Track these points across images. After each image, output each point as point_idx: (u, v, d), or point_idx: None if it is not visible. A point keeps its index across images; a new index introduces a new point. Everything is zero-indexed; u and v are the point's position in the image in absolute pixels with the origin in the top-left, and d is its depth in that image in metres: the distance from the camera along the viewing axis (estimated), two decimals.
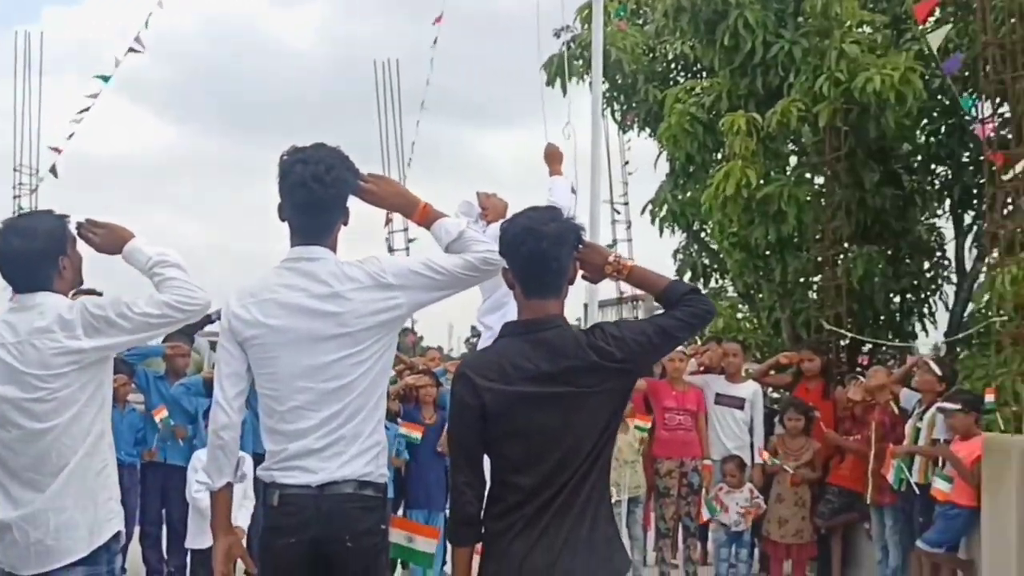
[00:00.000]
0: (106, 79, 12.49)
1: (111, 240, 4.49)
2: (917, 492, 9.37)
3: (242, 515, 7.92)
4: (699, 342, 12.24)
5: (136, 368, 9.98)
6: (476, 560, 3.87)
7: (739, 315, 15.53)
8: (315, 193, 4.08)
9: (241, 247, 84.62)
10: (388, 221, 19.15)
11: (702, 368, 11.18)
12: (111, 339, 4.27)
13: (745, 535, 10.52)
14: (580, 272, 3.98)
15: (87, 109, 12.95)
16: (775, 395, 12.30)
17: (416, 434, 10.12)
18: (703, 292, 3.96)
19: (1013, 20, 9.84)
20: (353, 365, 4.08)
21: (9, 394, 4.20)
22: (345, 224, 4.29)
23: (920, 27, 11.37)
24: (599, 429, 3.73)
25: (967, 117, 10.91)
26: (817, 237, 12.34)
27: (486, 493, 3.84)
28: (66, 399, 4.22)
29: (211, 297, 4.43)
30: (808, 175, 12.77)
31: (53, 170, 14.68)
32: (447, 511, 10.24)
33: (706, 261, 15.48)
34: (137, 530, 9.78)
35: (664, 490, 10.42)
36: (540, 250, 3.76)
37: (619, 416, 3.85)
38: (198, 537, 8.42)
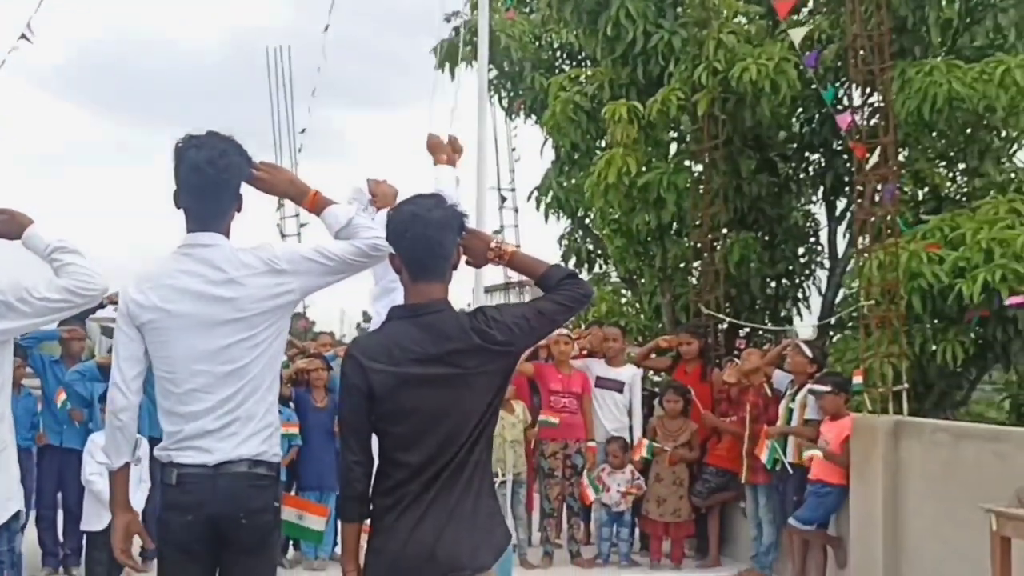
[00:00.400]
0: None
1: (10, 225, 4.50)
2: (791, 471, 9.68)
3: (137, 498, 7.93)
4: (583, 326, 12.45)
5: (31, 352, 9.92)
6: (364, 536, 3.98)
7: (622, 300, 15.73)
8: (209, 177, 4.16)
9: (134, 233, 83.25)
10: (280, 206, 19.11)
11: (584, 352, 11.35)
12: (11, 323, 4.30)
13: (626, 515, 10.71)
14: (464, 257, 4.11)
15: None
16: (656, 378, 12.56)
17: (294, 430, 10.22)
18: (581, 276, 4.10)
19: (882, 11, 10.17)
20: (248, 349, 4.18)
21: None
22: (239, 211, 4.37)
23: (784, 21, 11.72)
24: (482, 408, 3.87)
25: (837, 107, 11.23)
26: (696, 223, 12.53)
27: (374, 471, 3.93)
28: None
29: (109, 282, 4.47)
30: (687, 163, 12.98)
31: None
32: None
33: (591, 247, 15.71)
34: (33, 513, 9.70)
35: (549, 471, 10.56)
36: (425, 236, 3.89)
37: (501, 396, 3.98)
38: (93, 519, 8.38)
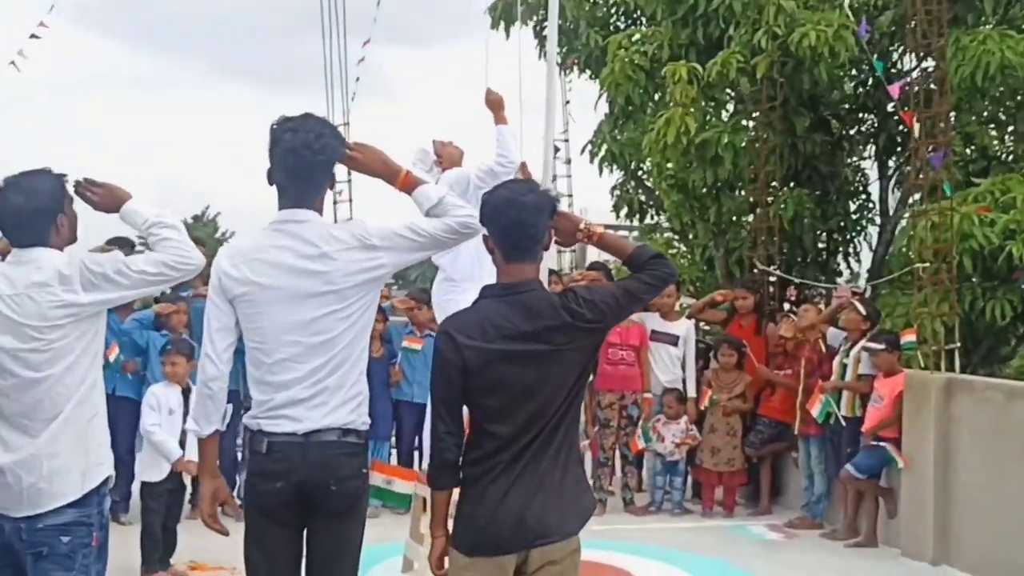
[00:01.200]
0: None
1: (109, 200, 4.57)
2: (844, 424, 9.93)
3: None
4: None
5: None
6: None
7: (672, 251, 15.86)
8: (305, 159, 4.28)
9: (163, 171, 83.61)
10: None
11: None
12: (108, 294, 4.38)
13: (680, 464, 10.97)
14: (554, 238, 4.27)
15: (35, 36, 12.56)
16: (706, 328, 12.79)
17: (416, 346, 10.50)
18: (665, 257, 4.27)
19: None
20: (338, 320, 4.27)
21: (6, 344, 4.29)
22: (331, 188, 4.52)
23: None
24: (571, 382, 4.04)
25: (892, 71, 11.35)
26: (752, 179, 12.69)
27: (464, 441, 4.09)
28: (61, 350, 4.31)
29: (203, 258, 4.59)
30: (744, 122, 13.15)
31: None
32: (392, 440, 10.68)
33: (643, 198, 15.79)
34: None
35: (604, 421, 10.82)
36: (519, 219, 4.03)
37: (588, 370, 4.18)
38: (151, 470, 8.26)
